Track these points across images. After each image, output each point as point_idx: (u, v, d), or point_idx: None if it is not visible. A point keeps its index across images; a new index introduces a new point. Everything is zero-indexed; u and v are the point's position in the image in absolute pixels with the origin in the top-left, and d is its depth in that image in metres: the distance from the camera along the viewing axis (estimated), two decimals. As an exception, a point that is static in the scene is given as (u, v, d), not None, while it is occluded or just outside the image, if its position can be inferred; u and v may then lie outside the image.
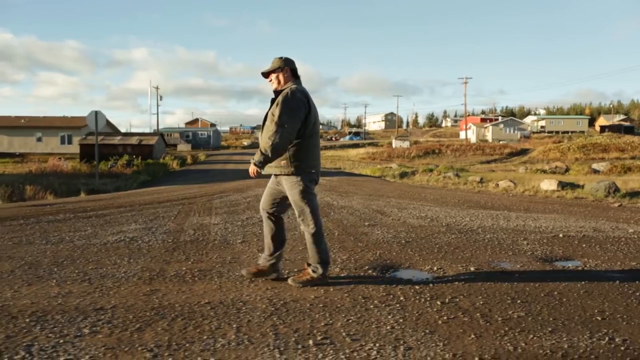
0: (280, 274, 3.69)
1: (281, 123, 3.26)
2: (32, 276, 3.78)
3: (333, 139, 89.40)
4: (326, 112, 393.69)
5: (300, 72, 3.61)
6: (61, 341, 2.54)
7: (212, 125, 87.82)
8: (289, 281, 3.54)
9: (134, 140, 31.26)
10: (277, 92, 3.47)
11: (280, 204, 3.61)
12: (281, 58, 3.52)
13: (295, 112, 3.31)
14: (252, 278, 3.63)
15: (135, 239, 5.29)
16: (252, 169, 3.38)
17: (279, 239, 3.62)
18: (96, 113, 15.77)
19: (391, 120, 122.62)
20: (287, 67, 3.51)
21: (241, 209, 7.99)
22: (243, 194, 10.63)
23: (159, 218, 6.80)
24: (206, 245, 4.96)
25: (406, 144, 61.59)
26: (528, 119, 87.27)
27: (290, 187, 3.43)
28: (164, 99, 59.23)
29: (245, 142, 74.68)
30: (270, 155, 3.30)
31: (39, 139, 43.32)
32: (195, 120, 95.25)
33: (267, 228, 3.63)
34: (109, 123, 46.16)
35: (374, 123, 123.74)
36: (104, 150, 30.27)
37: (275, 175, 3.55)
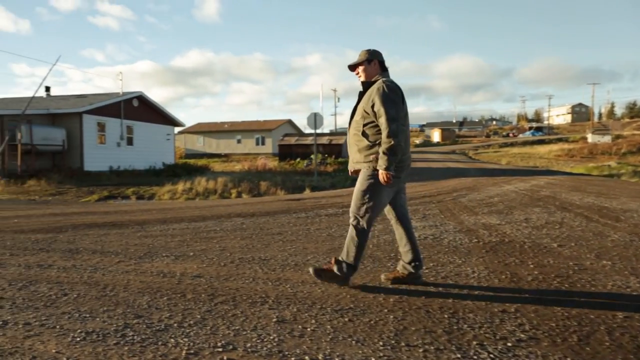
0: (421, 280, 3.48)
1: (392, 117, 3.13)
2: (382, 268, 3.95)
3: (510, 135, 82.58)
4: (499, 107, 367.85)
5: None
6: (509, 344, 2.48)
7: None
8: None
9: (324, 140, 33.14)
10: (365, 85, 3.36)
11: (399, 204, 3.43)
12: (369, 50, 3.43)
13: (398, 104, 3.19)
14: (390, 284, 3.48)
15: (436, 236, 5.30)
16: (383, 176, 3.14)
17: (412, 242, 3.41)
18: (315, 115, 17.05)
19: (579, 112, 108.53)
20: (374, 60, 3.40)
21: (500, 208, 7.59)
22: (478, 193, 10.18)
23: (429, 216, 6.80)
24: (522, 248, 4.69)
25: (606, 139, 53.53)
26: None
27: (365, 177, 3.26)
28: (335, 100, 61.76)
29: (417, 141, 74.03)
30: (396, 153, 3.13)
31: (239, 141, 49.31)
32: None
33: (397, 234, 3.48)
34: (293, 125, 50.40)
35: (558, 116, 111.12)
36: (299, 149, 32.84)
37: (356, 170, 3.38)
